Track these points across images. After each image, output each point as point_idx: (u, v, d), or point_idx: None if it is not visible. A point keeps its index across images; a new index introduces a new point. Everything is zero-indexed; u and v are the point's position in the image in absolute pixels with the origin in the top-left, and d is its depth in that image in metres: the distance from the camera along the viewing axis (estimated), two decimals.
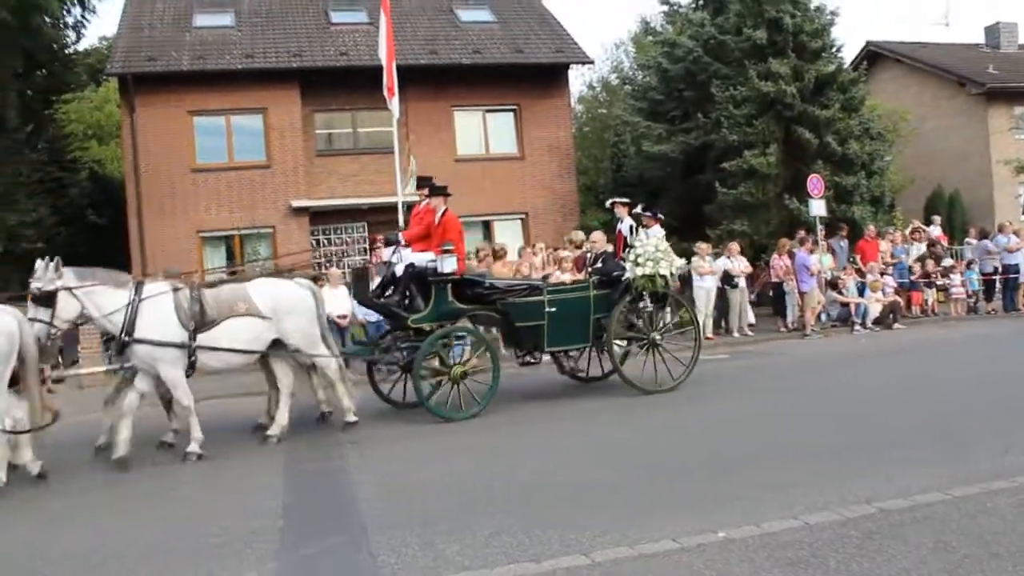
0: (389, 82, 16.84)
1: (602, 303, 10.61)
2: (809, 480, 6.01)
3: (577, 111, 36.77)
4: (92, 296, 8.22)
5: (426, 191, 10.75)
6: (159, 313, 8.36)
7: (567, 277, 12.39)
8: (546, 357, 11.44)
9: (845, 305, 17.86)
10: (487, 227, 23.21)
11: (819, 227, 18.53)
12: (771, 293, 18.72)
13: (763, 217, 20.71)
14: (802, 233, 18.21)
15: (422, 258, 10.08)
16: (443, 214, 10.27)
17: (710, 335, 16.90)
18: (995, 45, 32.97)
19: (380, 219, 20.75)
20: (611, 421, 9.26)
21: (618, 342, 10.95)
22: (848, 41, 36.90)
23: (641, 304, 10.87)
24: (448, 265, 9.76)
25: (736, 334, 17.12)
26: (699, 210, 21.79)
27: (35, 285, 8.09)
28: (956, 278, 19.27)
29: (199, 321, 8.46)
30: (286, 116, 21.86)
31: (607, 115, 34.77)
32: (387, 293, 10.57)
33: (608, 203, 12.45)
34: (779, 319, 18.05)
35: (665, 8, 25.76)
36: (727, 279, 17.22)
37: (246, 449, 8.81)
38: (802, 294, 17.24)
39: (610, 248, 11.76)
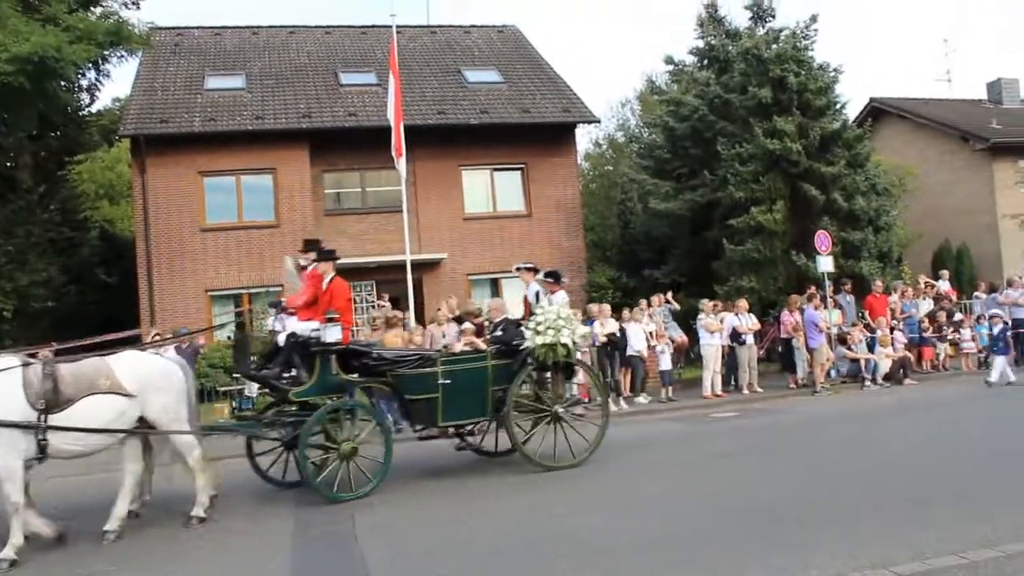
0: (397, 142, 17.08)
1: (501, 374, 9.88)
2: (822, 542, 5.92)
3: (584, 168, 37.07)
4: None
5: (313, 255, 10.04)
6: (2, 390, 7.36)
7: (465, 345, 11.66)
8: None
9: (855, 361, 17.76)
10: (495, 285, 23.27)
11: (827, 283, 18.53)
12: (780, 349, 18.66)
13: (770, 273, 20.71)
14: (811, 289, 18.21)
15: (305, 327, 9.39)
16: (331, 280, 9.58)
17: (719, 392, 16.84)
18: (997, 100, 33.29)
19: (388, 277, 20.88)
20: (616, 479, 9.17)
21: (521, 415, 10.28)
22: (852, 97, 37.31)
23: (543, 375, 10.31)
24: (332, 335, 9.09)
25: (745, 391, 17.03)
26: (707, 266, 21.84)
27: None
28: (966, 332, 19.20)
29: (51, 400, 7.45)
30: (295, 176, 22.10)
31: (614, 172, 35.05)
32: (269, 364, 9.80)
33: (514, 268, 11.98)
34: (788, 375, 17.96)
35: (671, 67, 26.07)
36: (735, 336, 17.18)
37: (254, 511, 8.71)
38: (811, 350, 17.17)
39: (511, 316, 10.98)
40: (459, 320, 13.71)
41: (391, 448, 9.15)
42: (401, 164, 16.92)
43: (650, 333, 16.86)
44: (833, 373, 17.80)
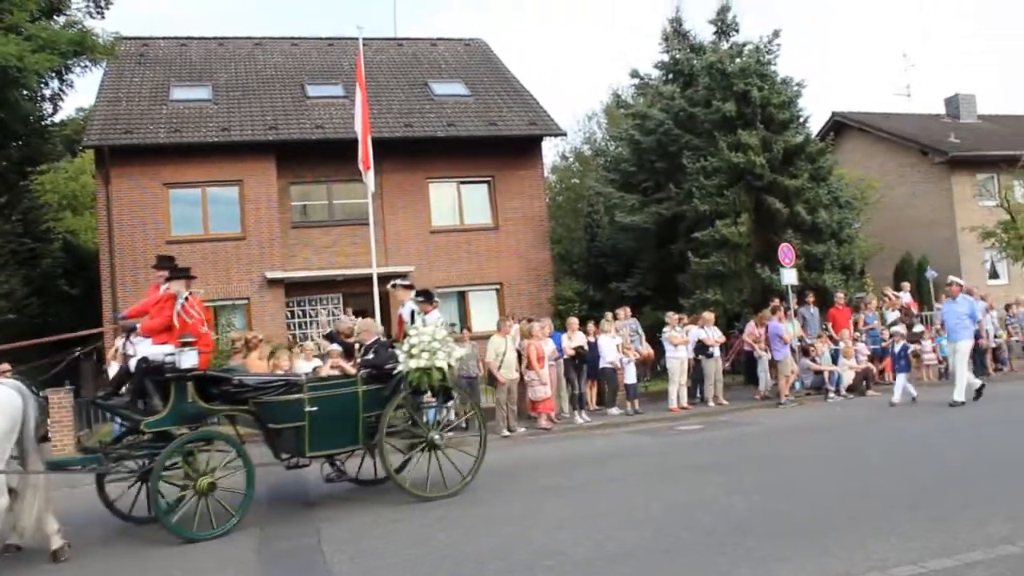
0: (364, 155, 17.03)
1: (373, 400, 9.32)
2: (784, 554, 6.00)
3: (551, 181, 37.21)
4: None
5: (165, 273, 9.14)
6: None
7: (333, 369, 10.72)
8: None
9: (819, 373, 17.98)
10: (462, 298, 23.31)
11: (791, 295, 18.75)
12: (743, 361, 18.84)
13: (735, 286, 20.92)
14: (775, 301, 18.41)
15: (158, 351, 8.52)
16: (184, 300, 8.80)
17: (685, 404, 16.96)
18: (955, 115, 33.94)
19: (355, 290, 20.82)
20: (585, 492, 9.18)
21: (395, 444, 9.78)
22: (815, 111, 37.79)
23: (418, 400, 9.81)
24: (188, 360, 8.39)
25: (711, 403, 17.18)
26: (672, 279, 22.02)
27: None
28: (927, 344, 19.47)
29: None
30: (262, 188, 22.01)
31: (580, 185, 35.22)
32: (121, 391, 9.08)
33: (389, 286, 11.53)
34: (753, 388, 18.14)
35: (636, 81, 26.27)
36: (701, 349, 17.33)
37: None
38: (775, 362, 17.36)
39: (382, 338, 10.46)
40: (329, 338, 12.52)
41: (253, 480, 8.45)
42: (369, 177, 16.87)
43: (617, 346, 16.97)
44: (797, 385, 17.99)
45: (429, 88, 25.67)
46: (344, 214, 22.80)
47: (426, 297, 10.89)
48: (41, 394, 8.79)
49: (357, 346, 10.88)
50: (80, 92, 48.24)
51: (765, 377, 17.93)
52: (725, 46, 23.94)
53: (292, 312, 22.01)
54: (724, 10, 23.97)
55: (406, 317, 10.39)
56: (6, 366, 12.78)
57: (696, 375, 17.57)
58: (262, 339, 13.61)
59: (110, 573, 7.19)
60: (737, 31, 24.13)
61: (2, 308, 21.61)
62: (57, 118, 27.97)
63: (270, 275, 21.41)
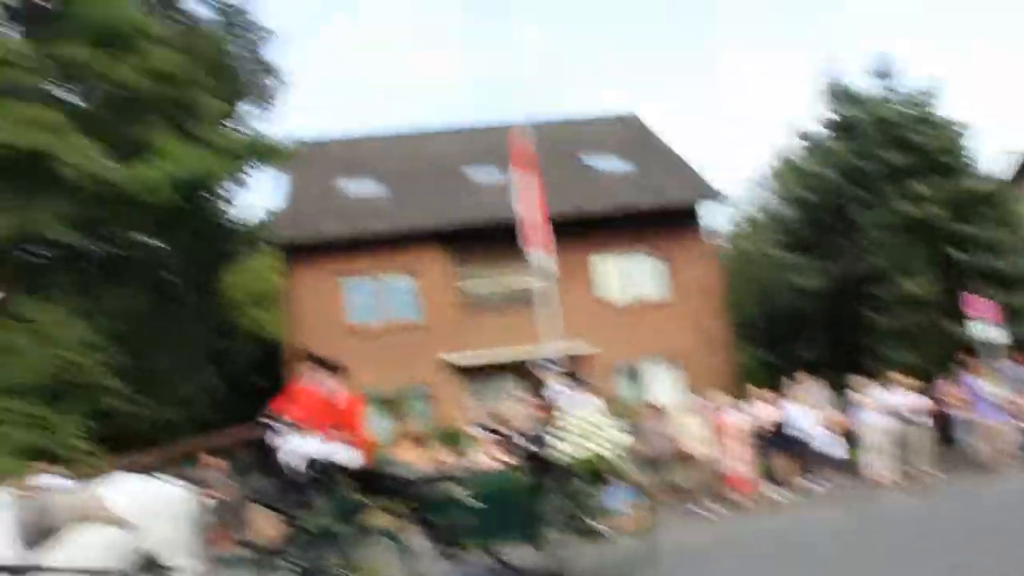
0: (533, 235, 17.35)
1: (533, 489, 9.13)
2: None
3: (721, 248, 36.65)
4: None
5: (313, 365, 9.20)
6: None
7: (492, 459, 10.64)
8: None
9: None
10: (636, 373, 23.10)
11: (987, 349, 17.60)
12: (949, 427, 17.74)
13: (926, 344, 19.90)
14: (967, 357, 17.35)
15: (316, 447, 8.45)
16: (343, 396, 8.87)
17: (886, 475, 16.04)
18: None
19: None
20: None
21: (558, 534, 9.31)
22: (996, 152, 36.02)
23: (580, 487, 9.41)
24: (344, 455, 8.45)
25: (915, 474, 16.16)
26: (855, 340, 21.18)
27: None
28: None
29: (39, 536, 6.70)
30: (434, 274, 22.71)
31: (752, 251, 34.55)
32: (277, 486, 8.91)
33: (530, 366, 11.26)
34: (952, 452, 17.01)
35: (806, 143, 25.73)
36: (897, 414, 16.42)
37: None
38: (984, 427, 16.24)
39: (537, 424, 9.99)
40: (484, 426, 11.95)
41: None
42: (541, 256, 17.11)
43: (807, 413, 16.35)
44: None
45: (583, 162, 25.95)
46: (515, 296, 23.13)
47: (573, 378, 10.70)
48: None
49: (515, 435, 10.32)
50: (259, 193, 51.38)
51: (969, 441, 16.79)
52: (886, 93, 23.23)
53: (472, 396, 22.36)
54: (884, 58, 23.35)
55: (556, 400, 10.11)
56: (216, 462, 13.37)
57: (895, 443, 16.62)
58: (420, 431, 13.86)
59: None
60: (897, 77, 23.34)
61: (206, 402, 22.96)
62: (240, 218, 30.05)
63: (448, 359, 21.92)
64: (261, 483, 9.09)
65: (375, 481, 8.76)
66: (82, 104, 23.86)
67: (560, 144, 27.60)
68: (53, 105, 22.97)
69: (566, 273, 23.06)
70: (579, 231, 23.19)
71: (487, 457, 10.53)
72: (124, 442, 20.35)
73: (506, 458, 10.01)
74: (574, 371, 11.39)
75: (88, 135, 22.08)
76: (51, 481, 8.49)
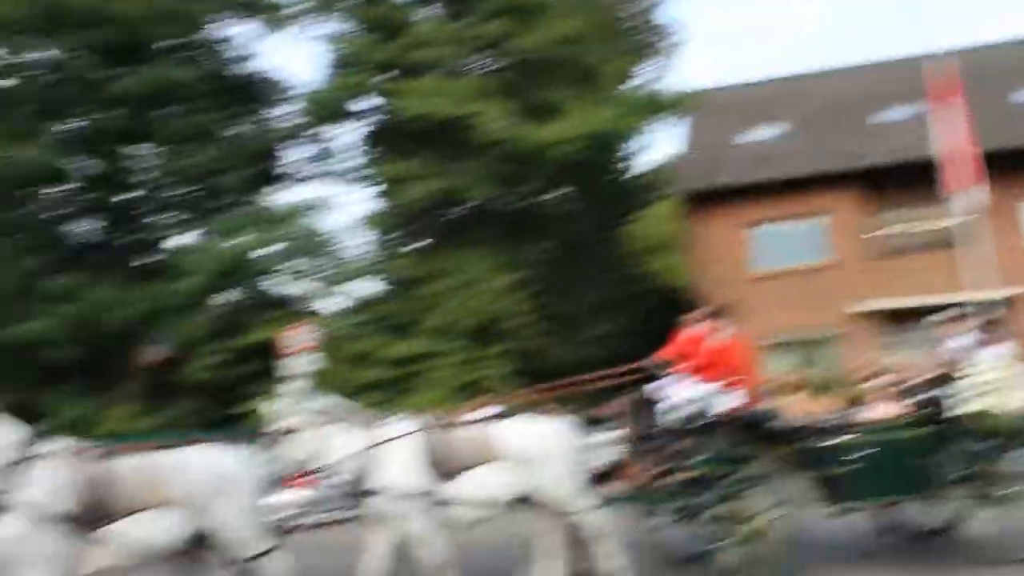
0: (956, 172, 15.99)
1: (931, 444, 8.41)
2: None
3: None
4: (325, 436, 7.75)
5: (706, 312, 9.38)
6: (402, 457, 7.65)
7: (885, 411, 9.50)
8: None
9: None
10: None
11: None
12: None
13: None
14: None
15: (696, 392, 8.56)
16: (725, 339, 8.85)
17: None
18: None
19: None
20: None
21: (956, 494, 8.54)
22: None
23: (979, 447, 8.41)
24: (726, 402, 8.40)
25: None
26: None
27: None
28: None
29: (443, 467, 7.68)
30: (843, 218, 21.79)
31: None
32: (656, 431, 9.08)
33: (933, 318, 9.92)
34: None
35: None
36: None
37: None
38: None
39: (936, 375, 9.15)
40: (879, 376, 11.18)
41: (797, 529, 8.16)
42: (970, 196, 15.74)
43: None
44: None
45: (1008, 98, 23.17)
46: (931, 239, 21.45)
47: (990, 329, 9.53)
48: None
49: (911, 384, 9.74)
50: (656, 145, 52.37)
51: None
52: None
53: (883, 344, 21.23)
54: None
55: (957, 353, 9.22)
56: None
57: None
58: (808, 379, 12.55)
59: None
60: None
61: (608, 351, 24.15)
62: (639, 171, 30.97)
63: (858, 306, 20.99)
64: (644, 427, 9.21)
65: (759, 428, 8.59)
66: (495, 72, 25.87)
67: (984, 74, 24.88)
68: (470, 76, 25.27)
69: (990, 217, 20.96)
70: (1006, 171, 20.84)
71: (883, 409, 9.67)
72: (542, 381, 22.05)
73: (903, 411, 9.37)
74: (993, 319, 10.08)
75: (502, 100, 23.98)
76: (477, 415, 9.02)
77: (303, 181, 28.58)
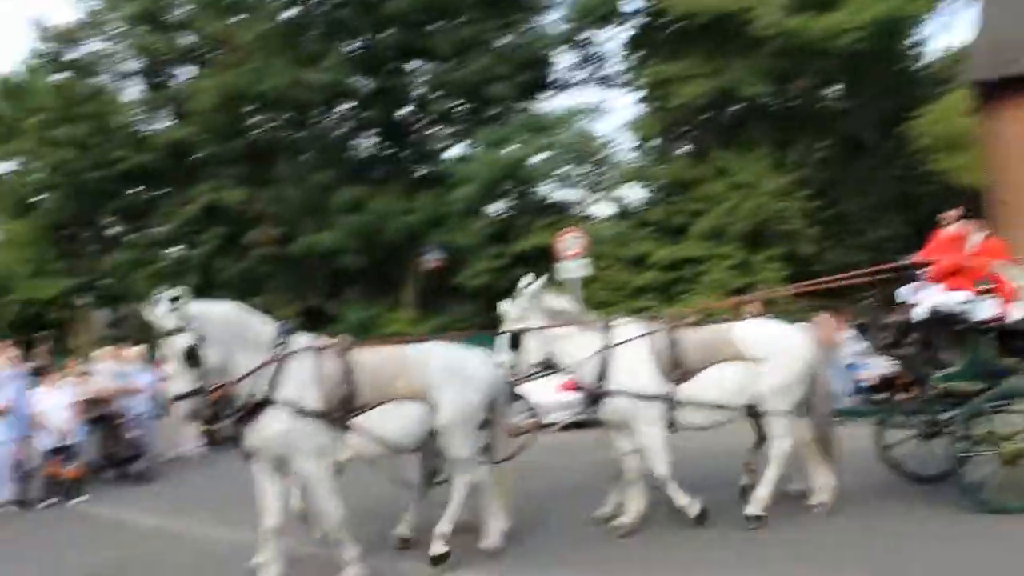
0: None
1: None
2: None
3: None
4: (561, 339, 7.63)
5: (956, 213, 8.44)
6: (635, 360, 7.48)
7: None
8: None
9: None
10: None
11: None
12: None
13: None
14: None
15: (950, 299, 7.68)
16: (982, 241, 8.00)
17: None
18: None
19: None
20: None
21: None
22: None
23: None
24: (984, 310, 7.49)
25: None
26: None
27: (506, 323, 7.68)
28: None
29: (677, 369, 7.47)
30: None
31: None
32: (906, 340, 8.32)
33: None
34: None
35: None
36: None
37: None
38: None
39: None
40: None
41: None
42: None
43: None
44: None
45: None
46: None
47: None
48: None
49: None
50: (946, 31, 48.00)
51: None
52: None
53: None
54: None
55: None
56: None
57: None
58: None
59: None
60: None
61: (890, 252, 22.80)
62: (926, 61, 28.48)
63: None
64: (896, 334, 8.62)
65: (1020, 338, 7.72)
66: None
67: None
68: None
69: None
70: None
71: None
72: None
73: None
74: None
75: None
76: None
77: (573, 87, 28.79)
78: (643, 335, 7.58)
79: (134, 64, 34.92)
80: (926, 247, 8.67)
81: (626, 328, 7.71)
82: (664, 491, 7.52)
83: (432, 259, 27.57)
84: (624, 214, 26.06)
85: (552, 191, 26.47)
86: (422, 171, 29.18)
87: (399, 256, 28.52)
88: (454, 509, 7.01)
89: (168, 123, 33.87)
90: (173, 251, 33.40)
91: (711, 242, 23.99)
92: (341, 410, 6.49)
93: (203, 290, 28.69)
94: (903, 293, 8.61)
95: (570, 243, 20.73)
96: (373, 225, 25.77)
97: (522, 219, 24.91)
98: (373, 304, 27.09)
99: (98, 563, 7.90)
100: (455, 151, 28.81)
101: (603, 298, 24.48)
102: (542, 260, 23.56)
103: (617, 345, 7.45)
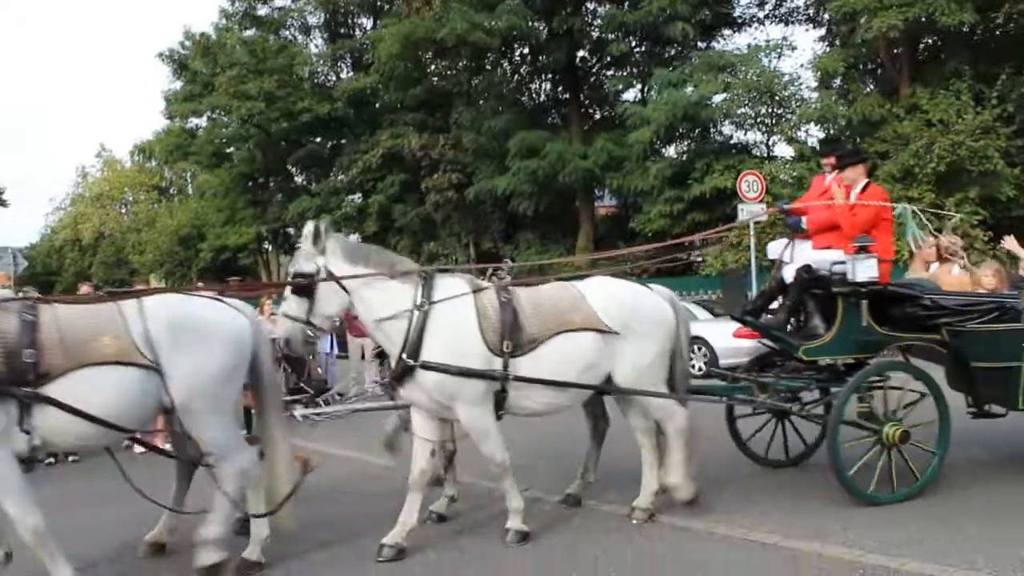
0: None
1: None
2: None
3: None
4: (365, 290, 5.88)
5: (832, 159, 7.33)
6: (455, 324, 5.83)
7: None
8: None
9: None
10: None
11: None
12: None
13: None
14: None
15: (824, 258, 6.73)
16: (861, 191, 6.78)
17: None
18: None
19: None
20: None
21: None
22: None
23: None
24: (864, 270, 6.32)
25: None
26: None
27: (292, 266, 6.09)
28: None
29: (512, 337, 5.83)
30: None
31: None
32: (772, 306, 7.31)
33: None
34: None
35: None
36: None
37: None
38: None
39: None
40: None
41: (948, 434, 6.48)
42: None
43: None
44: None
45: None
46: None
47: None
48: None
49: None
50: None
51: None
52: None
53: None
54: None
55: None
56: None
57: None
58: (961, 245, 8.94)
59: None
60: None
61: None
62: None
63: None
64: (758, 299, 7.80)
65: (898, 305, 6.75)
66: None
67: None
68: None
69: None
70: None
71: None
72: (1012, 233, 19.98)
73: None
74: None
75: None
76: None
77: (755, 24, 28.03)
78: (468, 292, 5.96)
79: (317, 17, 36.38)
80: (804, 197, 7.84)
81: (449, 282, 6.06)
82: (499, 484, 6.12)
83: (609, 202, 27.65)
84: (804, 155, 25.23)
85: (731, 132, 25.92)
86: (598, 115, 29.13)
87: (574, 200, 28.74)
88: (223, 510, 5.51)
89: (349, 73, 35.16)
90: (353, 198, 34.79)
91: (899, 184, 22.97)
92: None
93: (381, 235, 30.25)
94: (774, 248, 7.80)
95: (750, 185, 20.44)
96: (548, 169, 25.98)
97: (700, 162, 24.48)
98: (550, 247, 27.45)
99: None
100: (631, 94, 28.61)
101: None
102: (720, 203, 23.34)
103: (434, 304, 5.82)
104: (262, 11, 36.66)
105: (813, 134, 25.62)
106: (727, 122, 25.34)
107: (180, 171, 50.51)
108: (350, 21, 36.70)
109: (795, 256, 7.20)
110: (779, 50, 25.34)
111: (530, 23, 27.37)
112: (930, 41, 24.52)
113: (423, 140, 29.68)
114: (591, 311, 6.05)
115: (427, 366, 5.66)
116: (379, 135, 31.31)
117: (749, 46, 25.97)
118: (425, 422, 5.97)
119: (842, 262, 6.51)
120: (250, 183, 40.14)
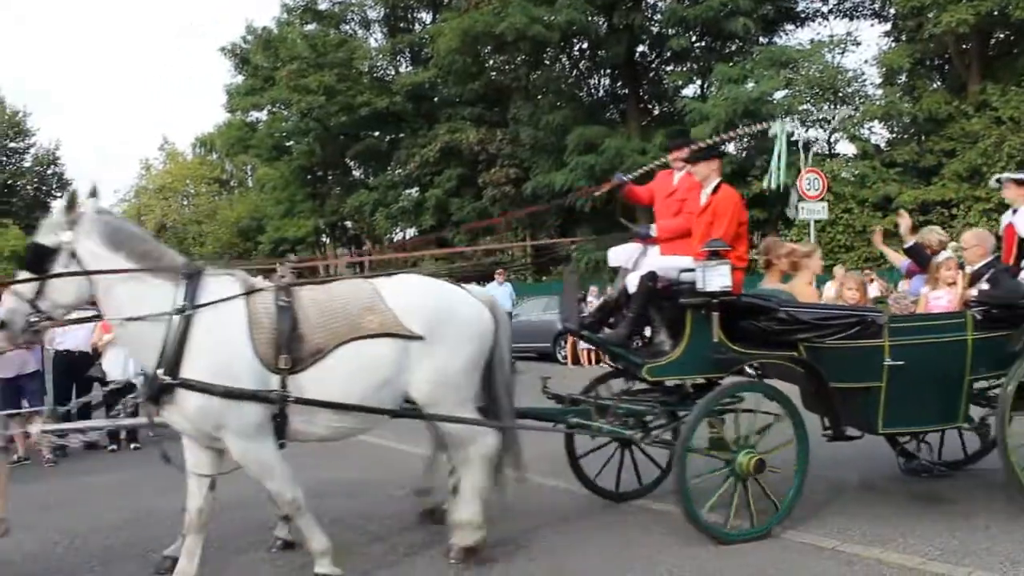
0: None
1: (986, 353, 5.84)
2: None
3: None
4: (115, 283, 4.71)
5: (683, 153, 6.22)
6: (222, 333, 4.75)
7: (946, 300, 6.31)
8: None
9: None
10: None
11: None
12: None
13: None
14: None
15: (672, 264, 5.90)
16: (713, 191, 5.93)
17: None
18: None
19: None
20: None
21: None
22: None
23: None
24: (715, 279, 5.50)
25: None
26: None
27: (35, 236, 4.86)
28: None
29: (291, 349, 4.75)
30: None
31: None
32: (612, 320, 6.38)
33: (994, 180, 7.36)
34: None
35: None
36: None
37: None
38: None
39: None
40: (913, 253, 7.26)
41: (806, 461, 5.73)
42: None
43: None
44: None
45: None
46: None
47: None
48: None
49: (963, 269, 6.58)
50: None
51: None
52: None
53: None
54: None
55: (1021, 230, 6.45)
56: None
57: None
58: (814, 251, 7.25)
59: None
60: None
61: None
62: None
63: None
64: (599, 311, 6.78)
65: (751, 319, 5.89)
66: None
67: None
68: None
69: None
70: None
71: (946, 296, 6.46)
72: None
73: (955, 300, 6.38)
74: None
75: None
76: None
77: (818, 19, 27.61)
78: (238, 296, 4.87)
79: (377, 11, 36.64)
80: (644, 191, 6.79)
81: (218, 282, 4.92)
82: (295, 521, 5.06)
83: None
84: (866, 154, 24.77)
85: (793, 129, 25.58)
86: (657, 110, 28.89)
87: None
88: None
89: (408, 68, 35.35)
90: (411, 192, 35.00)
91: (967, 184, 22.49)
92: None
93: (438, 229, 30.32)
94: (616, 255, 6.71)
95: (810, 183, 20.18)
96: (606, 165, 25.85)
97: (759, 159, 24.18)
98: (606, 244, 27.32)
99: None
100: (691, 89, 28.33)
101: (842, 242, 23.55)
102: (779, 200, 23.02)
103: (197, 308, 4.72)
104: (323, 5, 37.05)
105: (877, 132, 25.18)
106: (788, 118, 25.00)
107: (240, 164, 51.28)
108: (410, 15, 36.94)
109: (640, 262, 6.36)
110: (843, 46, 24.96)
111: (589, 18, 27.25)
112: (1002, 36, 23.88)
113: (481, 135, 29.75)
114: (390, 313, 5.00)
115: (187, 384, 4.59)
116: (437, 129, 31.45)
117: (812, 41, 25.69)
118: (198, 453, 4.92)
119: (691, 269, 5.71)
120: (309, 176, 40.61)
